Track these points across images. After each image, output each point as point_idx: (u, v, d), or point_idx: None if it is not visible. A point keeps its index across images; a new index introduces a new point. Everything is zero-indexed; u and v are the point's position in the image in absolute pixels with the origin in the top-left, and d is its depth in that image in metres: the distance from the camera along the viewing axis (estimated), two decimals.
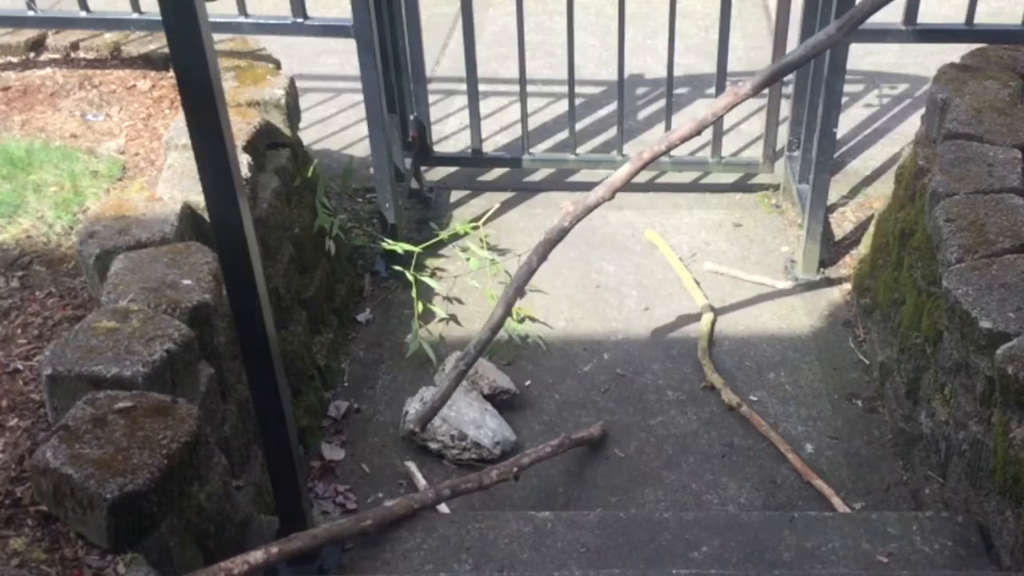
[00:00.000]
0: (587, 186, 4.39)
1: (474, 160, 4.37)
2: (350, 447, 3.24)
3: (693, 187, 4.42)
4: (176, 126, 3.19)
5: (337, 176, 4.13)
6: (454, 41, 5.42)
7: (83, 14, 3.54)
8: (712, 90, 4.18)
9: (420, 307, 3.67)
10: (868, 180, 4.35)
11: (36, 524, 2.11)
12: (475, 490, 2.84)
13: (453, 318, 3.73)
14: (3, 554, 2.02)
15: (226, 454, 2.52)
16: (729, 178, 4.44)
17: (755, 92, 2.76)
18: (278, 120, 3.45)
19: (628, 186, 4.38)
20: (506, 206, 4.30)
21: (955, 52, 3.66)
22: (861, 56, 5.02)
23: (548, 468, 3.13)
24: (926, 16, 3.45)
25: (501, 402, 3.33)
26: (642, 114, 4.82)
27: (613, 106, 4.54)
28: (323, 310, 3.56)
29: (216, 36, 3.14)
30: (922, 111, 3.59)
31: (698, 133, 2.78)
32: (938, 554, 2.52)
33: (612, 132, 4.45)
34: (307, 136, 4.33)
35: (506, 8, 5.71)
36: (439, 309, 3.73)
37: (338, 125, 4.75)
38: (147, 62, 3.74)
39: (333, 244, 3.65)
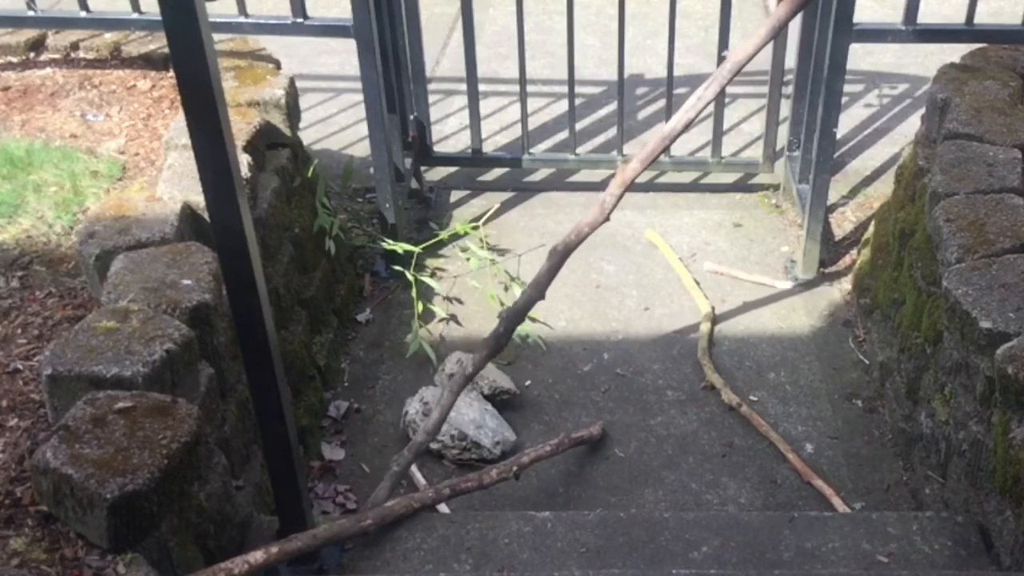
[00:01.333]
0: (587, 186, 4.41)
1: (474, 160, 4.37)
2: (350, 447, 3.24)
3: (693, 187, 4.42)
4: (176, 126, 3.19)
5: (337, 176, 4.13)
6: (454, 41, 5.42)
7: (83, 14, 3.54)
8: None
9: (420, 307, 3.67)
10: (868, 180, 4.35)
11: (36, 524, 2.11)
12: (475, 489, 2.84)
13: (453, 318, 3.73)
14: (3, 554, 2.02)
15: (226, 454, 2.52)
16: (729, 178, 4.44)
17: (643, 167, 2.86)
18: (278, 120, 3.45)
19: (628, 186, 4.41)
20: (506, 206, 4.30)
21: (955, 52, 3.66)
22: (861, 56, 5.03)
23: (548, 468, 3.13)
24: (926, 16, 3.45)
25: (501, 402, 3.33)
26: (642, 114, 4.82)
27: (613, 106, 4.54)
28: (323, 310, 3.56)
29: (216, 36, 3.14)
30: (922, 111, 3.59)
31: (606, 219, 2.86)
32: (938, 554, 2.52)
33: (612, 132, 4.45)
34: (307, 136, 4.33)
35: (506, 8, 5.71)
36: (439, 309, 3.73)
37: (338, 125, 4.75)
38: (147, 62, 3.74)
39: (333, 244, 3.65)
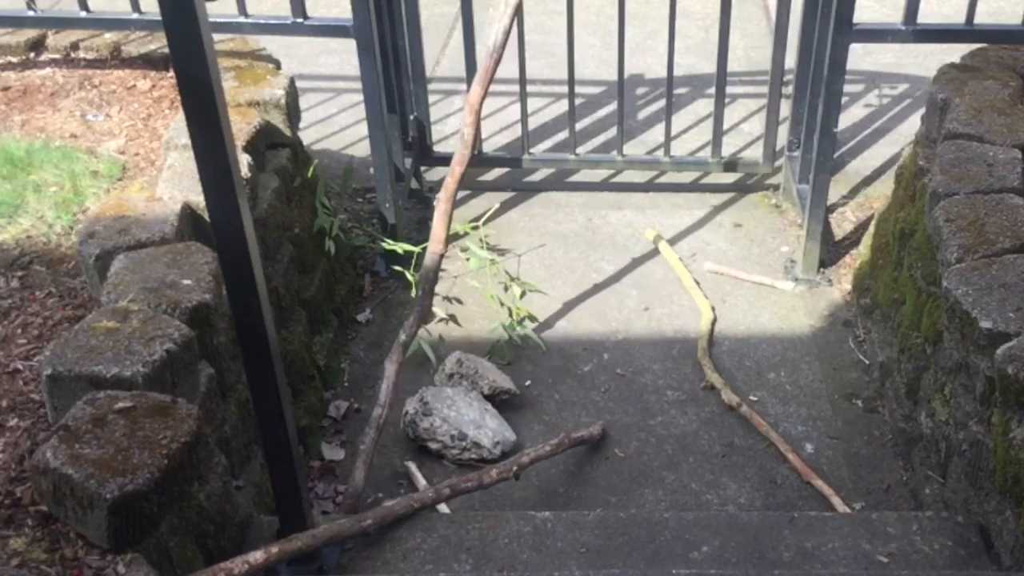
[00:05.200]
0: (587, 186, 4.42)
1: (474, 160, 4.35)
2: (350, 447, 3.24)
3: (693, 187, 4.42)
4: (176, 126, 3.19)
5: (337, 176, 4.13)
6: (454, 41, 5.42)
7: (83, 14, 3.54)
8: (712, 90, 4.18)
9: None
10: (868, 180, 4.35)
11: (36, 524, 2.11)
12: (475, 489, 2.84)
13: (453, 318, 3.73)
14: (3, 554, 2.02)
15: (226, 454, 2.52)
16: (729, 178, 4.43)
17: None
18: (278, 120, 3.45)
19: (628, 186, 4.42)
20: (506, 206, 4.30)
21: (955, 52, 3.66)
22: (861, 56, 5.03)
23: (548, 468, 3.13)
24: (926, 16, 3.45)
25: (501, 402, 3.33)
26: (642, 114, 4.82)
27: (613, 106, 4.54)
28: (323, 310, 3.56)
29: (216, 36, 3.14)
30: (922, 111, 3.59)
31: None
32: (938, 554, 2.52)
33: (612, 132, 4.45)
34: (307, 136, 4.33)
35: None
36: (439, 309, 3.73)
37: (338, 125, 4.75)
38: (147, 62, 3.74)
39: (333, 244, 3.65)
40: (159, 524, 2.11)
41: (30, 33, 3.78)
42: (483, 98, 3.32)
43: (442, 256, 3.35)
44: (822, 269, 3.90)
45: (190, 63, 1.79)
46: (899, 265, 3.30)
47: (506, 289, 3.80)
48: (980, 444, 2.53)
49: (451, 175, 3.36)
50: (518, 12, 3.41)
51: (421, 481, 3.07)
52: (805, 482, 3.07)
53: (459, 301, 3.81)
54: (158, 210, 2.82)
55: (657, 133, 4.53)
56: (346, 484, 3.09)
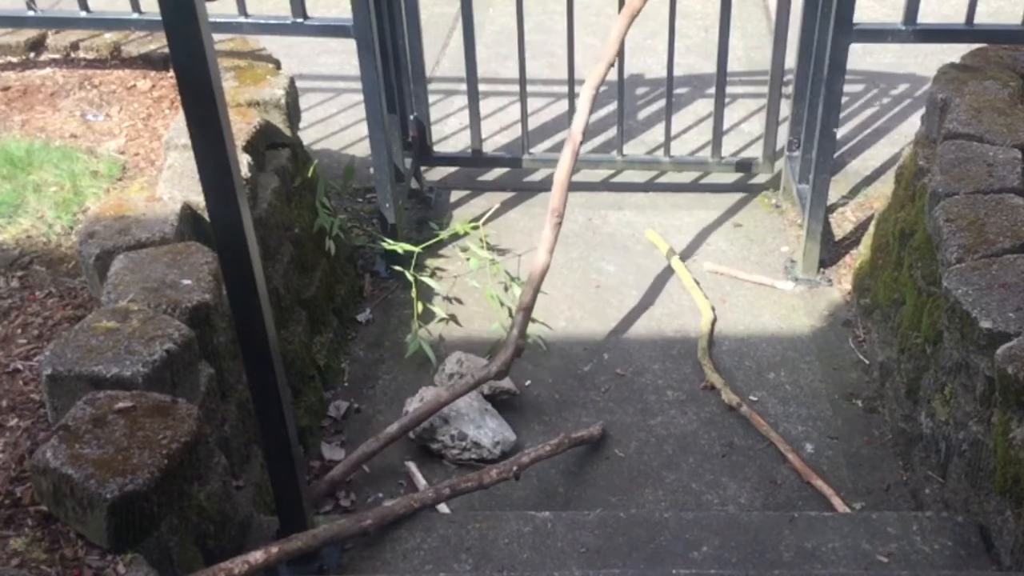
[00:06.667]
0: (587, 186, 4.42)
1: (474, 160, 4.37)
2: (350, 447, 3.24)
3: (693, 187, 4.42)
4: (176, 126, 3.19)
5: (337, 176, 4.13)
6: (454, 41, 5.42)
7: (83, 14, 3.54)
8: (712, 90, 4.18)
9: (420, 307, 3.67)
10: (868, 180, 4.35)
11: (36, 524, 2.11)
12: (475, 489, 2.85)
13: (453, 318, 3.73)
14: (3, 554, 2.02)
15: (226, 454, 2.52)
16: (729, 178, 4.43)
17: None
18: (278, 120, 3.45)
19: (628, 186, 4.42)
20: (506, 206, 4.30)
21: (955, 52, 3.66)
22: (861, 56, 5.03)
23: (548, 468, 3.13)
24: (926, 16, 3.45)
25: (501, 402, 3.33)
26: (642, 114, 4.82)
27: (613, 106, 4.54)
28: (323, 310, 3.56)
29: (216, 36, 3.14)
30: (922, 111, 3.59)
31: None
32: (938, 554, 2.52)
33: (612, 132, 4.45)
34: (307, 136, 4.33)
35: (506, 8, 5.71)
36: (439, 309, 3.73)
37: (338, 125, 4.75)
38: (147, 62, 3.74)
39: (333, 244, 3.65)
40: (159, 524, 2.11)
41: (30, 33, 3.78)
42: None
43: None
44: (822, 269, 3.90)
45: (190, 63, 1.80)
46: (899, 265, 3.30)
47: (506, 289, 3.80)
48: (980, 444, 2.53)
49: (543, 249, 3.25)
50: (576, 156, 3.41)
51: (421, 481, 3.07)
52: (805, 482, 3.07)
53: (459, 301, 3.81)
54: (158, 210, 2.82)
55: (657, 133, 4.53)
56: (347, 486, 3.10)
